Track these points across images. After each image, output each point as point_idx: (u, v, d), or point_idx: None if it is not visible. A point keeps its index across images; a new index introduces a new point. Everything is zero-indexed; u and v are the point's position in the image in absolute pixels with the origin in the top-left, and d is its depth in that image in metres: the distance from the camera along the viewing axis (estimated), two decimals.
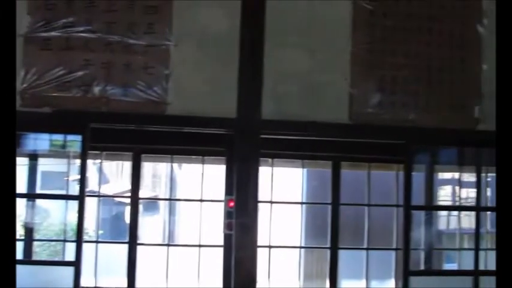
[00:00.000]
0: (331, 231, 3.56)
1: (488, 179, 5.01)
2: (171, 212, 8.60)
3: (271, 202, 3.65)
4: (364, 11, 3.29)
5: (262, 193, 3.46)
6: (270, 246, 3.59)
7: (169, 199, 6.90)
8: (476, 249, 3.38)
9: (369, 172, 3.65)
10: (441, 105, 3.35)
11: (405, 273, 3.25)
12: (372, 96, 3.27)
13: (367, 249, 3.69)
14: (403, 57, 3.34)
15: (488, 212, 3.80)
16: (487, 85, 3.38)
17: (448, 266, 5.09)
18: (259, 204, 3.01)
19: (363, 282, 3.73)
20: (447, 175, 4.89)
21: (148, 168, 9.19)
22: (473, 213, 3.58)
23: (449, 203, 4.82)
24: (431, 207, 3.80)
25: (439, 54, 3.39)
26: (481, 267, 3.45)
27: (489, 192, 5.19)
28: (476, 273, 3.35)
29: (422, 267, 3.67)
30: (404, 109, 3.30)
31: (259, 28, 2.98)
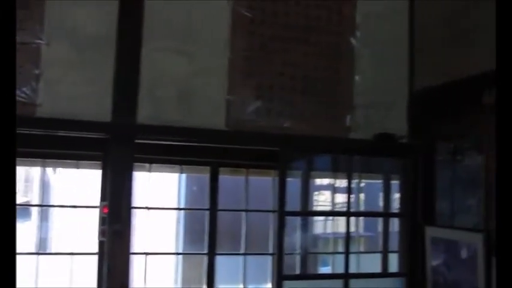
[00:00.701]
0: (209, 237, 3.61)
1: (362, 185, 5.34)
2: (44, 218, 8.28)
3: (148, 208, 3.64)
4: (244, 19, 3.38)
5: (139, 199, 3.44)
6: (146, 253, 3.58)
7: (41, 205, 6.59)
8: (347, 253, 3.57)
9: (247, 178, 3.75)
10: (315, 114, 3.51)
11: (279, 277, 3.37)
12: (248, 103, 3.36)
13: (244, 254, 3.81)
14: (280, 66, 3.46)
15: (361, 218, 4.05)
16: (359, 95, 3.61)
17: (323, 270, 5.37)
18: (135, 211, 3.00)
19: (240, 287, 3.83)
20: (324, 181, 5.15)
21: (20, 172, 8.78)
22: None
23: (326, 208, 5.07)
24: (304, 212, 3.98)
25: (315, 64, 3.55)
26: (352, 270, 3.68)
27: (362, 197, 5.53)
28: (346, 276, 3.55)
29: (297, 271, 3.84)
30: (280, 116, 3.43)
31: (137, 30, 2.98)
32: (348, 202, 3.62)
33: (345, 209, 3.77)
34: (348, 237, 3.59)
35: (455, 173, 3.32)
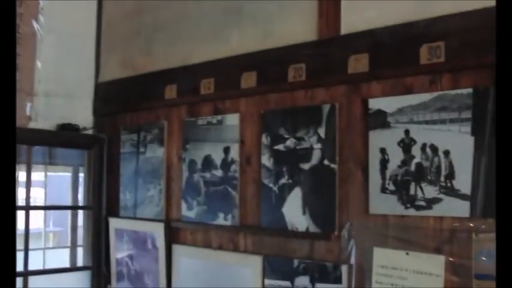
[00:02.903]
0: None
1: (47, 177, 5.26)
2: None
3: None
4: None
5: None
6: None
7: None
8: (26, 250, 3.51)
9: None
10: None
11: None
12: None
13: None
14: None
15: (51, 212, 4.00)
16: (41, 83, 3.58)
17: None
18: None
19: None
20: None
21: None
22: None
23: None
24: None
25: None
26: (38, 266, 3.64)
27: (48, 190, 5.45)
28: (26, 274, 3.50)
29: None
30: None
31: None
32: (27, 195, 3.56)
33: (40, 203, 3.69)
34: (27, 232, 3.53)
35: (139, 164, 3.56)
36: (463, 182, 2.21)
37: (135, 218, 3.58)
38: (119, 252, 3.71)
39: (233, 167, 3.01)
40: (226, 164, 3.05)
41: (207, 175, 3.14)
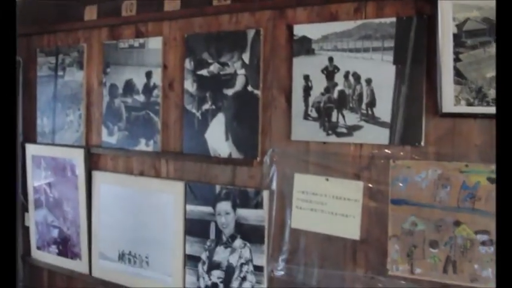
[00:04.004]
0: None
1: None
2: None
3: None
4: None
5: None
6: None
7: None
8: None
9: None
10: None
11: None
12: None
13: None
14: None
15: None
16: None
17: None
18: None
19: None
20: None
21: None
22: None
23: None
24: None
25: None
26: None
27: None
28: None
29: None
30: None
31: None
32: None
33: None
34: None
35: (57, 88, 3.41)
36: (383, 110, 2.25)
37: (53, 144, 3.46)
38: (37, 179, 3.59)
39: (155, 92, 2.93)
40: (148, 89, 2.96)
41: (129, 100, 3.04)
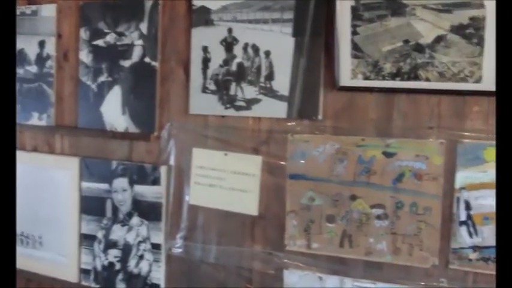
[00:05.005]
0: None
1: None
2: None
3: None
4: None
5: None
6: None
7: None
8: None
9: None
10: None
11: None
12: None
13: None
14: None
15: None
16: None
17: None
18: None
19: None
20: None
21: None
22: None
23: None
24: None
25: None
26: None
27: None
28: None
29: None
30: None
31: None
32: None
33: None
34: None
35: None
36: (282, 83, 2.20)
37: None
38: None
39: (49, 63, 2.75)
40: (41, 60, 2.78)
41: (20, 71, 2.84)
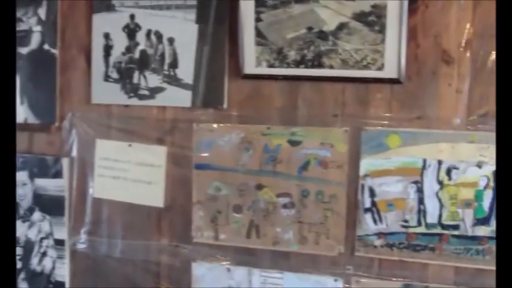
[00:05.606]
0: None
1: None
2: None
3: None
4: None
5: None
6: None
7: None
8: None
9: None
10: None
11: None
12: None
13: None
14: None
15: None
16: None
17: None
18: None
19: None
20: None
21: None
22: None
23: None
24: None
25: None
26: None
27: None
28: None
29: None
30: None
31: None
32: None
33: None
34: None
35: None
36: (186, 71, 2.13)
37: None
38: None
39: None
40: None
41: None
